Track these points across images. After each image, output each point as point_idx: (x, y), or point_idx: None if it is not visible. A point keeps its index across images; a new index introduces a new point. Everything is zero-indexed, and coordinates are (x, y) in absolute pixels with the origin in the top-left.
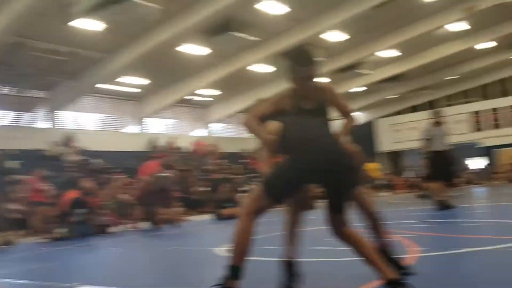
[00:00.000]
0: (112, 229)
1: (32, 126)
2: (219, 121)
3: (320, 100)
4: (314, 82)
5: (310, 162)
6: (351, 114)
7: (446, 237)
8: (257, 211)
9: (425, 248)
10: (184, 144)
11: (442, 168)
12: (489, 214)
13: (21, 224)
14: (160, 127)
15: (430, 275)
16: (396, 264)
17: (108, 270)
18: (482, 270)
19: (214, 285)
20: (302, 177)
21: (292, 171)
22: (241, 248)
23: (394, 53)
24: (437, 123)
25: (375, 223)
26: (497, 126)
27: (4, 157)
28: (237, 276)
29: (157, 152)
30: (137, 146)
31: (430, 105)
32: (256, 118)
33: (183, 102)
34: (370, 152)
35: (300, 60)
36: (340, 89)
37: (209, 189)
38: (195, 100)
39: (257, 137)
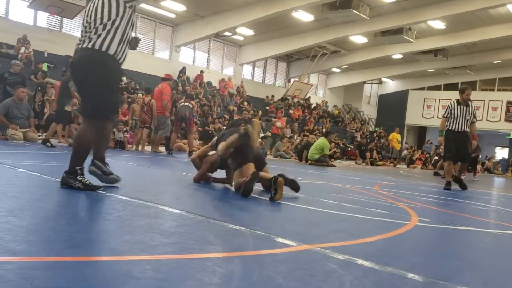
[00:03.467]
0: (130, 146)
1: (68, 32)
2: (249, 63)
3: None
4: None
5: None
6: None
7: (447, 213)
8: None
9: (422, 218)
10: (212, 79)
11: (458, 149)
12: (500, 202)
13: (46, 126)
14: (191, 58)
15: (419, 244)
16: None
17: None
18: (467, 247)
19: None
20: None
21: None
22: None
23: (439, 25)
24: (462, 102)
25: None
26: None
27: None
28: None
29: (184, 82)
30: (167, 72)
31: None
32: None
33: (217, 37)
34: (398, 123)
35: None
36: (379, 53)
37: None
38: (228, 37)
39: None
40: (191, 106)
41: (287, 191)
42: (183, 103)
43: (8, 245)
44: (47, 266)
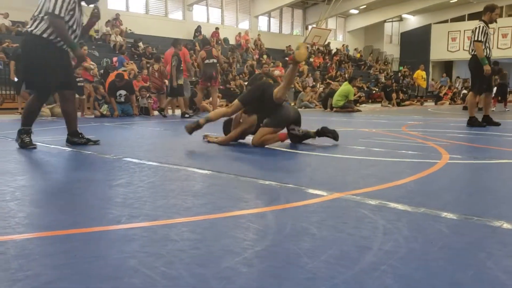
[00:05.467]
0: (155, 112)
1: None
2: (264, 14)
3: None
4: None
5: None
6: None
7: (479, 147)
8: None
9: (453, 155)
10: (228, 35)
11: (487, 78)
12: None
13: None
14: (204, 16)
15: (451, 181)
16: None
17: (144, 147)
18: (500, 181)
19: None
20: None
21: None
22: None
23: None
24: (489, 22)
25: None
26: None
27: None
28: None
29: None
30: (182, 33)
31: None
32: None
33: None
34: (423, 59)
35: None
36: None
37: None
38: None
39: None
40: (216, 63)
41: (318, 141)
42: (208, 62)
43: (48, 220)
44: (88, 237)
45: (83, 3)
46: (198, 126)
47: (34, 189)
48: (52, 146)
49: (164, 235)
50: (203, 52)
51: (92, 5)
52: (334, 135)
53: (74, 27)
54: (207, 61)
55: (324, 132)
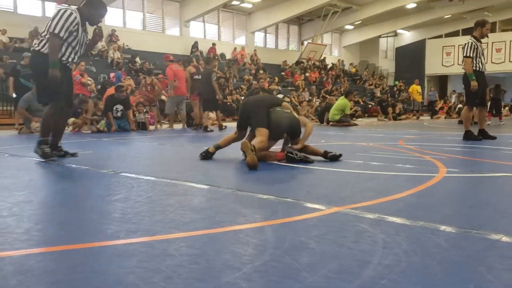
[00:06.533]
0: (152, 127)
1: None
2: (260, 30)
3: None
4: None
5: None
6: None
7: (476, 161)
8: None
9: (450, 169)
10: (225, 51)
11: (482, 93)
12: None
13: None
14: (201, 32)
15: (450, 195)
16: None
17: (142, 162)
18: (499, 194)
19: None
20: None
21: None
22: None
23: None
24: (480, 37)
25: None
26: None
27: None
28: None
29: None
30: (179, 49)
31: None
32: None
33: (225, 8)
34: (418, 74)
35: None
36: (392, 5)
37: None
38: (237, 6)
39: None
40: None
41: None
42: (197, 77)
43: (47, 236)
44: (85, 252)
45: (87, 24)
46: (208, 153)
47: (32, 204)
48: (49, 161)
49: (163, 250)
50: (192, 68)
51: (95, 26)
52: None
53: (77, 48)
54: (196, 76)
55: (332, 158)
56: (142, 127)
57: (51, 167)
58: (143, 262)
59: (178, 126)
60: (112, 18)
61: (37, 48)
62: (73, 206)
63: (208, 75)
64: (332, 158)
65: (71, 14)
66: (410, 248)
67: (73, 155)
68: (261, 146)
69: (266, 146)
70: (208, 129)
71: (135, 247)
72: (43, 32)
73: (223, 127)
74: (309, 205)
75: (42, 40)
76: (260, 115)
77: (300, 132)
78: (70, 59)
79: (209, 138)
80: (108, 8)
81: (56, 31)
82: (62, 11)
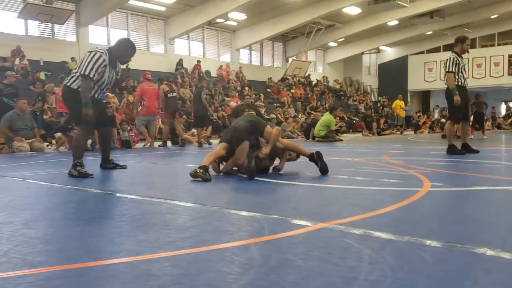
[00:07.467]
0: (137, 145)
1: (61, 38)
2: (245, 47)
3: None
4: None
5: None
6: None
7: (459, 175)
8: None
9: (435, 183)
10: (210, 68)
11: (465, 107)
12: (509, 158)
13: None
14: (186, 49)
15: (434, 209)
16: None
17: (126, 180)
18: (482, 208)
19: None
20: None
21: None
22: None
23: None
24: (461, 52)
25: None
26: None
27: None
28: None
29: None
30: (163, 67)
31: None
32: None
33: (210, 25)
34: (401, 89)
35: None
36: (374, 22)
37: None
38: (221, 24)
39: None
40: (177, 97)
41: (301, 170)
42: (171, 95)
43: (26, 258)
44: (67, 274)
45: (118, 63)
46: (203, 175)
47: (12, 225)
48: (31, 181)
49: (146, 271)
50: (165, 86)
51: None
52: (323, 168)
53: (103, 85)
54: (170, 94)
55: (319, 158)
56: (126, 145)
57: (31, 187)
58: (126, 283)
59: (159, 143)
60: (96, 36)
61: (68, 84)
62: (55, 227)
63: (199, 94)
64: (322, 169)
65: (100, 56)
66: (396, 263)
67: (123, 167)
68: (210, 159)
69: (219, 156)
70: (202, 144)
71: (118, 268)
72: (75, 69)
73: (203, 144)
74: (295, 221)
75: (72, 77)
76: (229, 129)
77: (262, 130)
78: (96, 95)
79: (196, 155)
80: (90, 26)
81: (87, 72)
82: (92, 53)
